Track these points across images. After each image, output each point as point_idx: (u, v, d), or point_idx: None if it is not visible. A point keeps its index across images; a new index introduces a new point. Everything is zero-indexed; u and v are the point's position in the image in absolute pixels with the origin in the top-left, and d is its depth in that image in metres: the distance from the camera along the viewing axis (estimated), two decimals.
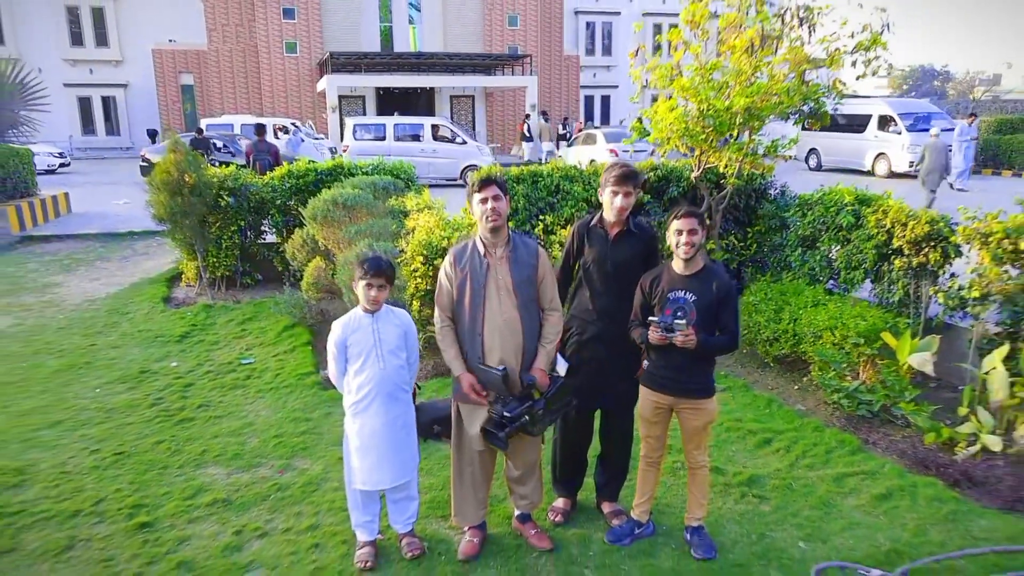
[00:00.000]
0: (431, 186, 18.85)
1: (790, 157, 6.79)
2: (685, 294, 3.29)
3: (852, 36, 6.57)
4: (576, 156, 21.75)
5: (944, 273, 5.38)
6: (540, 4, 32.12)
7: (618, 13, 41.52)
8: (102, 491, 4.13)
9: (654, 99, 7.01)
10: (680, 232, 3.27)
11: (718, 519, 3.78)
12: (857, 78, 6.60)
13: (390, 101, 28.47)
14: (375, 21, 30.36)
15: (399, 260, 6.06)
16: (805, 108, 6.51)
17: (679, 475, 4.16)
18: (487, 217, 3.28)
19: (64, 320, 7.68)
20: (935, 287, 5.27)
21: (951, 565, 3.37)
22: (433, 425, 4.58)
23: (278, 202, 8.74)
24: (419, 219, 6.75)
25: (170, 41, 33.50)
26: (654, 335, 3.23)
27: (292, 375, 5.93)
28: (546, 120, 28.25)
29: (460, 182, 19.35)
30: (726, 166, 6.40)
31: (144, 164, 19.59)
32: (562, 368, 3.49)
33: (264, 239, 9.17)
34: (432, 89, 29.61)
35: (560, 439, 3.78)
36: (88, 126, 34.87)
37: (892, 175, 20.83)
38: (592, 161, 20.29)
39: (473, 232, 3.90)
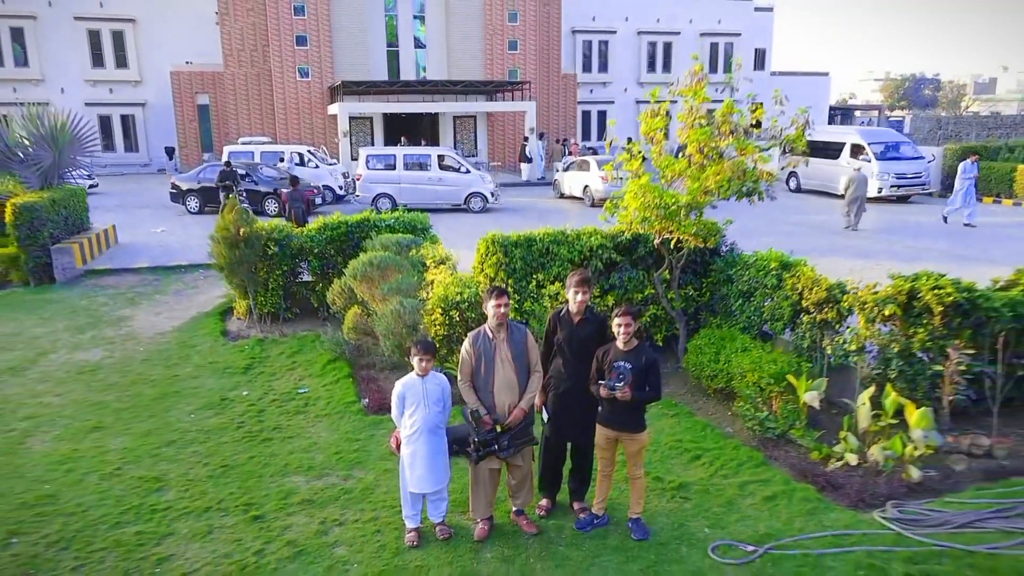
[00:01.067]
0: (437, 211, 20.63)
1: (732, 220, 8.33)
2: (624, 364, 4.98)
3: (781, 132, 8.27)
4: (571, 180, 23.51)
5: (840, 328, 7.08)
6: (539, 28, 33.78)
7: (614, 32, 43.22)
8: (220, 494, 5.84)
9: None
10: (619, 325, 4.97)
11: (653, 513, 5.47)
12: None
13: (396, 124, 30.19)
14: (382, 46, 32.08)
15: (421, 311, 7.77)
16: (744, 189, 8.18)
17: (626, 484, 5.86)
18: (496, 316, 4.97)
19: (144, 352, 9.39)
20: (828, 339, 6.97)
21: (802, 544, 5.08)
22: (452, 444, 6.26)
23: (316, 250, 10.45)
24: (436, 274, 8.48)
25: (187, 63, 35.20)
26: (603, 392, 4.92)
27: (340, 403, 7.64)
28: (541, 139, 29.98)
29: (464, 207, 21.05)
30: (683, 235, 8.08)
31: (174, 191, 21.27)
32: (545, 415, 5.19)
33: (301, 278, 10.88)
34: (436, 113, 31.30)
35: (544, 459, 5.48)
36: (108, 143, 36.46)
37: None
38: (586, 188, 22.07)
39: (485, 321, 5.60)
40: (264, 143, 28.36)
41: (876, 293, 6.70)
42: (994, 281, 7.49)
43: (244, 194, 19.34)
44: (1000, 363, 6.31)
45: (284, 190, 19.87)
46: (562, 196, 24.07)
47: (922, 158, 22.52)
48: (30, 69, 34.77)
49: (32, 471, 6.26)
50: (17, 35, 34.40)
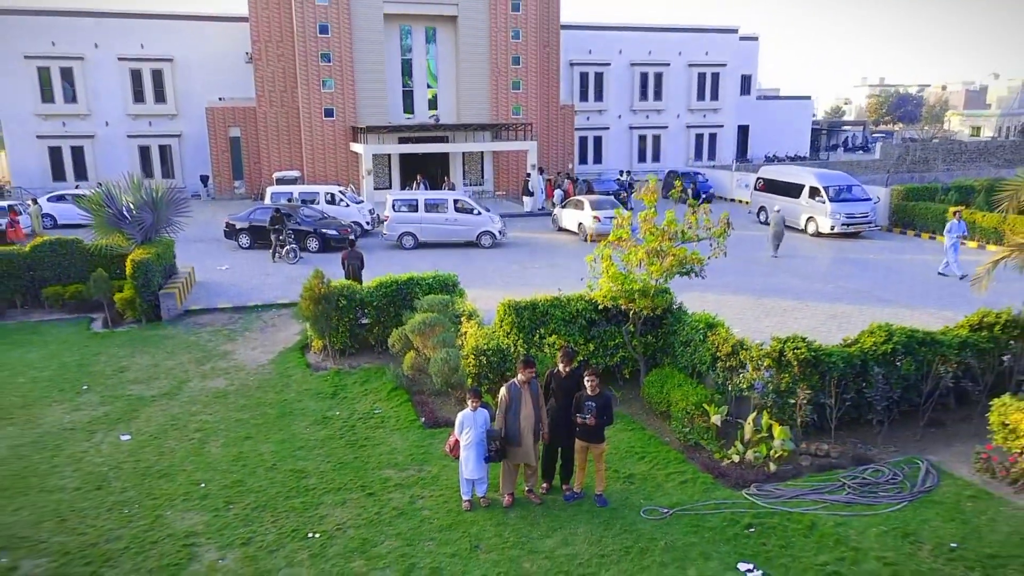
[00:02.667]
0: (453, 246, 24.18)
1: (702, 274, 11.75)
2: (591, 403, 8.53)
3: (708, 230, 11.81)
4: (568, 217, 27.09)
5: (740, 371, 10.62)
6: (539, 67, 37.30)
7: (608, 64, 46.86)
8: (343, 480, 9.40)
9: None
10: (589, 380, 8.52)
11: (610, 491, 9.02)
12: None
13: (412, 160, 33.75)
14: (399, 87, 35.65)
15: (460, 357, 11.33)
16: (684, 270, 11.73)
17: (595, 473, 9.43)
18: (525, 376, 8.50)
19: (255, 381, 12.98)
20: (732, 379, 10.53)
21: (696, 508, 8.64)
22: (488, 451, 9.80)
23: (373, 303, 14.02)
24: (468, 327, 12.04)
25: (220, 99, 38.80)
26: (579, 420, 8.49)
27: (405, 420, 11.21)
28: (541, 173, 33.55)
29: (475, 243, 24.58)
30: (640, 307, 11.60)
31: (227, 229, 24.83)
32: (544, 437, 8.77)
33: (361, 322, 14.42)
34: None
35: (544, 458, 9.03)
36: (147, 170, 40.05)
37: (818, 234, 26.08)
38: (580, 225, 25.60)
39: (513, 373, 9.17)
40: (295, 179, 32.04)
41: (761, 351, 10.25)
42: (844, 340, 11.01)
43: (292, 234, 22.88)
44: (834, 396, 9.88)
45: (327, 231, 23.57)
46: (560, 229, 27.64)
47: (869, 200, 26.07)
48: (78, 105, 38.38)
49: (219, 466, 9.84)
50: (67, 74, 38.02)
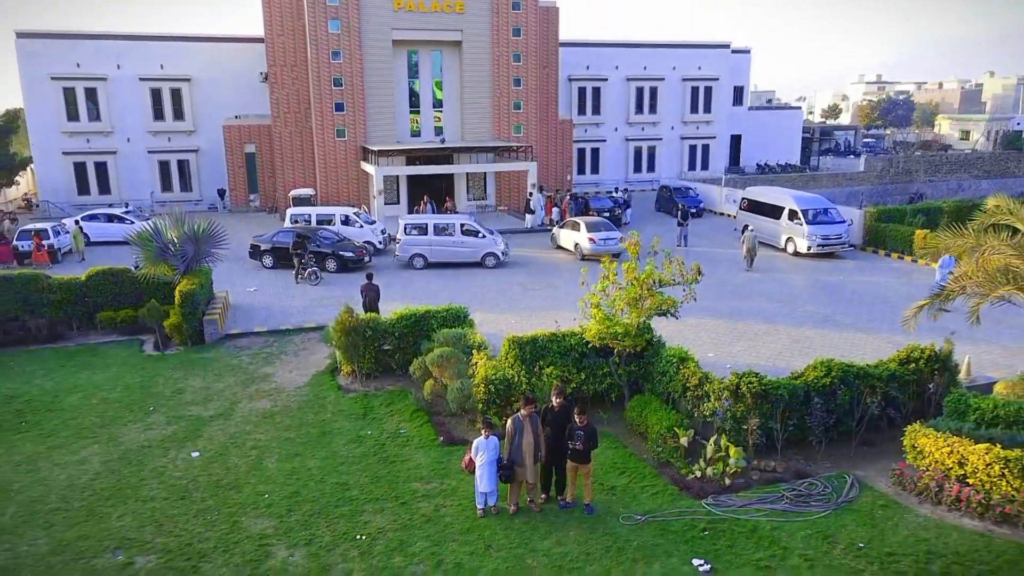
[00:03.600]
0: (459, 265, 26.25)
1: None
2: (580, 431, 10.71)
3: (683, 274, 13.95)
4: (565, 236, 29.23)
5: (705, 400, 12.79)
6: (539, 87, 39.26)
7: (605, 79, 48.95)
8: (379, 492, 11.59)
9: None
10: (577, 416, 10.70)
11: (597, 501, 11.20)
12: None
13: (419, 179, 35.84)
14: (406, 108, 37.72)
15: (472, 386, 13.50)
16: (662, 311, 13.88)
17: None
18: (527, 412, 10.68)
19: (296, 403, 15.16)
20: (698, 407, 12.71)
21: (664, 515, 10.84)
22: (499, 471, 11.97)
23: (395, 332, 16.19)
24: (479, 359, 14.20)
25: (236, 117, 40.89)
26: (570, 446, 10.68)
27: (426, 439, 13.39)
28: (541, 191, 35.65)
29: (480, 263, 26.71)
30: (623, 345, 13.74)
31: (252, 250, 26.97)
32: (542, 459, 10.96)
33: (383, 348, 16.56)
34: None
35: (542, 475, 11.22)
36: (166, 184, 42.22)
37: (797, 254, 28.23)
38: (576, 245, 27.76)
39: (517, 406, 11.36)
40: (310, 196, 34.15)
41: (721, 384, 12.42)
42: (793, 372, 13.18)
43: (313, 257, 25.03)
44: (780, 421, 12.07)
45: (344, 252, 25.72)
46: (558, 247, 29.79)
47: (843, 222, 28.20)
48: (101, 123, 40.48)
49: (276, 479, 12.03)
50: (91, 94, 40.11)
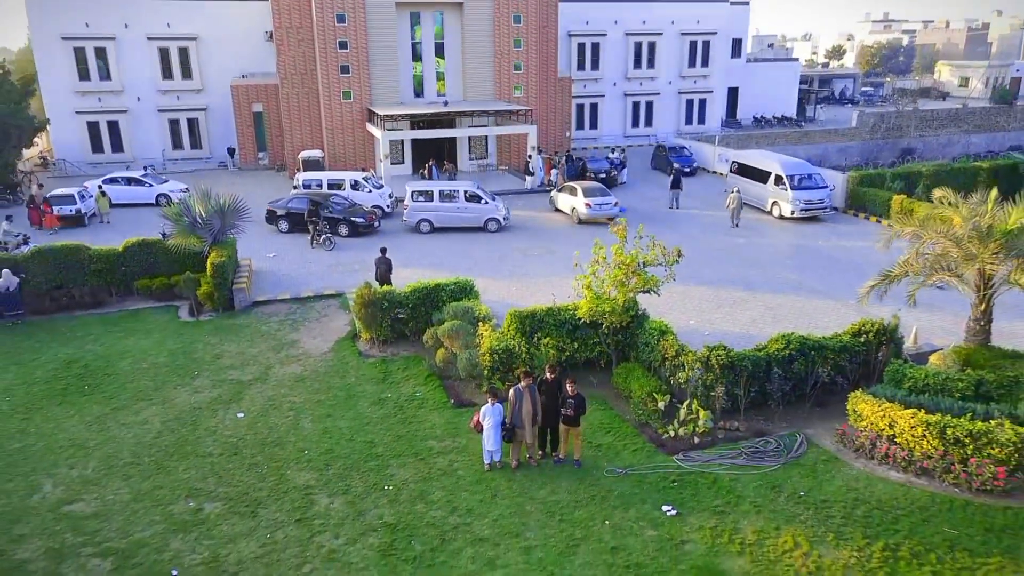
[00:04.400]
0: (463, 230, 27.94)
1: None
2: (571, 399, 12.71)
3: (663, 253, 15.72)
4: (563, 200, 30.86)
5: (680, 368, 14.76)
6: (539, 47, 40.17)
7: (604, 34, 49.64)
8: (401, 449, 13.68)
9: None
10: (568, 385, 12.70)
11: (586, 457, 13.29)
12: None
13: (423, 142, 37.17)
14: (409, 69, 38.76)
15: (479, 355, 15.48)
16: (640, 289, 15.71)
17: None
18: (525, 383, 12.68)
19: (322, 367, 17.17)
20: (674, 374, 14.70)
21: (641, 468, 12.95)
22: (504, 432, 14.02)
23: (408, 303, 18.09)
24: (484, 330, 16.13)
25: (243, 77, 41.93)
26: (563, 411, 12.70)
27: (439, 401, 15.44)
28: (540, 153, 37.02)
29: (483, 228, 28.42)
30: (611, 320, 15.61)
31: (268, 215, 28.63)
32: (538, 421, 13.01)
33: (398, 316, 18.47)
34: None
35: (539, 435, 13.29)
36: (176, 142, 43.52)
37: (782, 217, 29.92)
38: (573, 209, 29.44)
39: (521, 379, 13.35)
40: (319, 159, 35.57)
41: (694, 355, 14.37)
42: (757, 345, 15.11)
43: (327, 224, 26.74)
44: (744, 388, 14.08)
45: (355, 218, 27.41)
46: (556, 210, 31.42)
47: (826, 187, 29.76)
48: (112, 82, 41.53)
49: (312, 438, 14.10)
50: (100, 53, 41.06)
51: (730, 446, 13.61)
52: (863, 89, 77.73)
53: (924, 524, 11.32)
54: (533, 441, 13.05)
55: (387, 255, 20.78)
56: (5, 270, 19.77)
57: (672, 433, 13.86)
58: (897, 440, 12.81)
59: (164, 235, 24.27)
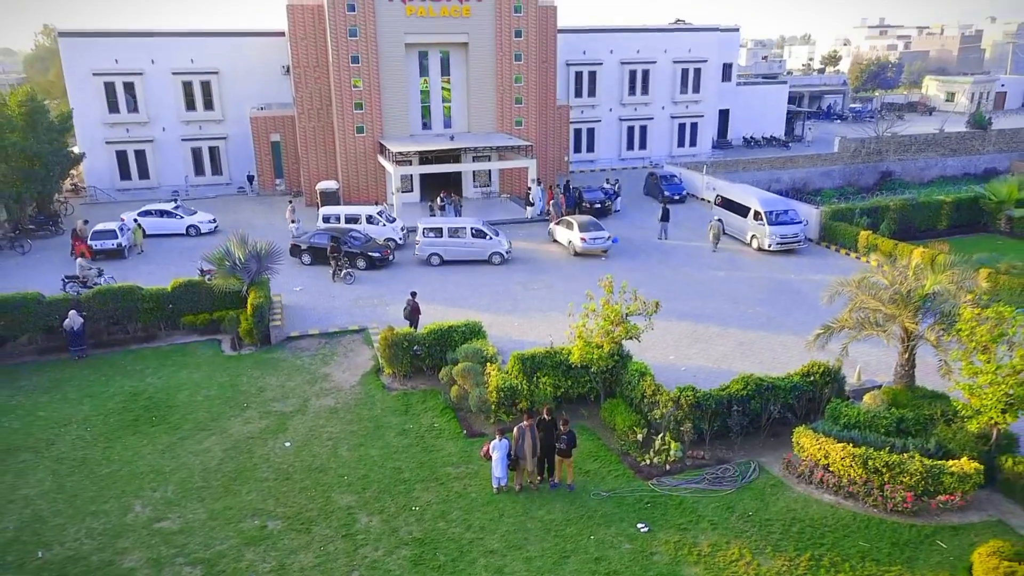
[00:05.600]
0: (469, 263, 30.75)
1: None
2: (564, 436, 15.58)
3: (643, 305, 18.57)
4: (561, 232, 33.71)
5: (656, 405, 17.62)
6: (538, 81, 42.94)
7: (601, 63, 52.46)
8: (423, 474, 16.54)
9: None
10: (563, 424, 15.57)
11: (576, 482, 16.17)
12: None
13: (432, 174, 39.98)
14: (417, 103, 41.61)
15: (487, 393, 18.35)
16: (624, 337, 18.55)
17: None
18: (527, 422, 15.56)
19: (352, 400, 20.04)
20: (652, 411, 17.56)
21: (622, 490, 15.82)
22: (509, 459, 16.89)
23: (426, 343, 20.96)
24: (491, 370, 19.01)
25: (261, 108, 44.79)
26: (558, 447, 15.57)
27: (454, 432, 18.31)
28: (539, 184, 39.85)
29: (487, 261, 31.28)
30: (599, 364, 18.44)
31: (292, 249, 31.47)
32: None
33: (416, 353, 21.32)
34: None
35: (537, 463, 16.16)
36: (199, 169, 46.39)
37: (760, 249, 32.78)
38: (570, 242, 32.25)
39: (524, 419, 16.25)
40: (336, 190, 38.43)
41: (668, 395, 17.21)
42: (721, 386, 17.94)
43: (347, 259, 29.59)
44: (708, 422, 16.94)
45: (372, 253, 30.26)
46: (554, 241, 34.27)
47: (800, 223, 32.59)
48: (139, 114, 44.41)
49: (349, 464, 16.96)
50: (129, 87, 43.93)
51: (696, 472, 16.48)
52: (851, 106, 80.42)
53: (845, 539, 14.20)
54: (533, 469, 15.92)
55: (416, 299, 23.44)
56: (72, 311, 22.61)
57: (648, 461, 16.73)
58: (830, 468, 15.68)
59: (202, 271, 27.23)
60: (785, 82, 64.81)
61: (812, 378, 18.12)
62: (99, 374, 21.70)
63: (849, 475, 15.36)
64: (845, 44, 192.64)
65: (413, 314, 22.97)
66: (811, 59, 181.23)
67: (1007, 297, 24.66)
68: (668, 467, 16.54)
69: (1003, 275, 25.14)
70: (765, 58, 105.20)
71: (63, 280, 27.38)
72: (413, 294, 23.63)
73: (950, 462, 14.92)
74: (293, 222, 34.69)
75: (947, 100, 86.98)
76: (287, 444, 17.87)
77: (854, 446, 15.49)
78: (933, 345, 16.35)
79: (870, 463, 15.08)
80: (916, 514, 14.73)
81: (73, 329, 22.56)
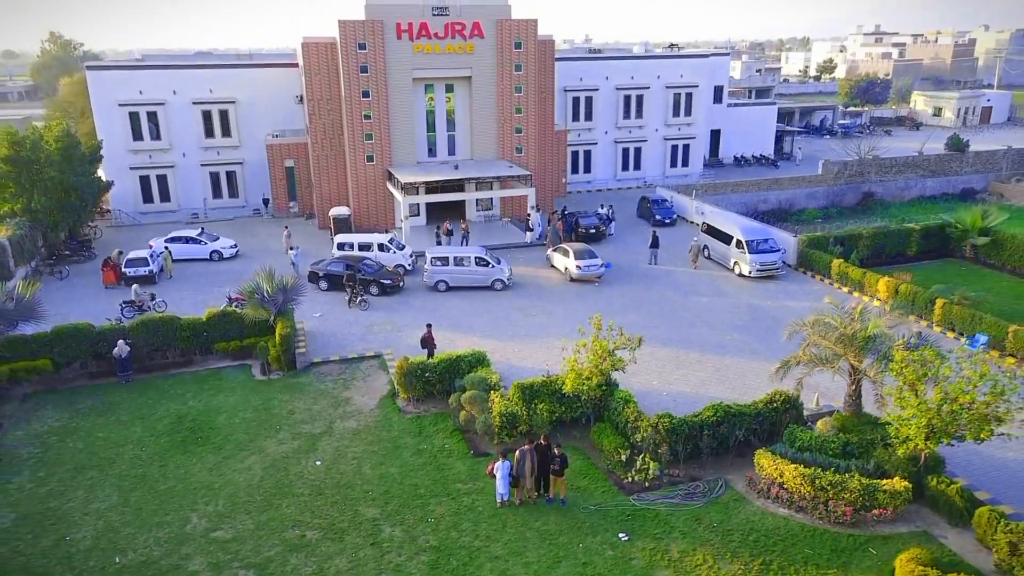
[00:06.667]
0: (473, 288, 33.44)
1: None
2: (557, 459, 18.27)
3: (627, 341, 21.29)
4: (558, 259, 36.43)
5: (637, 429, 20.31)
6: (537, 109, 45.63)
7: (597, 89, 55.26)
8: (437, 490, 19.24)
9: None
10: (556, 448, 18.28)
11: (568, 497, 18.86)
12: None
13: (437, 205, 42.68)
14: (424, 132, 44.35)
15: (491, 418, 21.08)
16: (611, 369, 21.24)
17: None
18: (528, 446, 18.27)
19: (372, 422, 22.76)
20: (634, 434, 20.26)
21: (606, 504, 18.53)
22: (511, 477, 19.58)
23: (437, 371, 23.67)
24: (494, 397, 21.74)
25: (275, 136, 47.54)
26: (553, 467, 18.28)
27: (462, 452, 21.02)
28: (538, 211, 42.56)
29: (489, 287, 33.99)
30: (588, 394, 21.13)
31: (311, 276, 34.19)
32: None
33: (427, 378, 24.00)
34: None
35: (535, 480, 18.86)
36: (217, 192, 49.12)
37: (741, 276, 35.48)
38: (566, 269, 35.00)
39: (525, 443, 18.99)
40: (348, 216, 41.16)
41: (647, 421, 19.92)
42: (694, 412, 20.62)
43: (361, 287, 32.30)
44: (682, 445, 19.64)
45: (384, 280, 32.97)
46: (552, 266, 36.98)
47: (779, 251, 35.29)
48: (161, 141, 47.17)
49: (372, 481, 19.67)
50: (152, 116, 46.67)
51: (671, 489, 19.19)
52: (841, 122, 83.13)
53: (792, 546, 16.92)
54: (531, 486, 18.63)
55: (431, 330, 26.10)
56: (120, 340, 25.33)
57: (630, 478, 19.43)
58: (785, 486, 18.39)
59: (230, 298, 29.99)
60: (774, 103, 67.53)
61: (774, 405, 20.81)
62: (146, 397, 24.41)
63: (800, 491, 18.05)
64: (841, 51, 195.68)
65: (428, 343, 25.65)
66: (807, 65, 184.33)
67: (959, 325, 27.47)
68: (647, 484, 19.24)
69: (956, 305, 27.83)
70: (759, 71, 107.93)
71: (121, 305, 30.42)
72: (429, 326, 26.30)
73: (884, 481, 17.62)
74: (291, 248, 37.45)
75: (934, 115, 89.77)
76: (318, 463, 20.57)
77: (805, 467, 18.19)
78: (872, 380, 19.06)
79: (817, 481, 17.77)
80: (854, 525, 17.43)
81: (121, 356, 25.27)
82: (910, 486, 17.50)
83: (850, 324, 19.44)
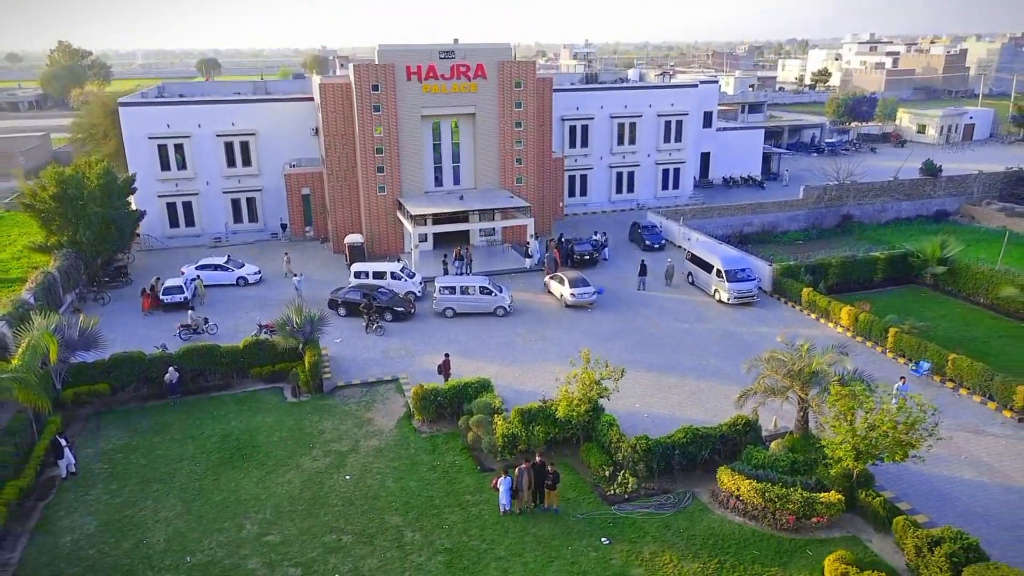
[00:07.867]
0: (477, 315, 37.08)
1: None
2: (551, 475, 21.85)
3: (612, 372, 24.87)
4: (554, 286, 40.06)
5: (619, 450, 23.90)
6: (536, 141, 49.19)
7: (592, 117, 58.84)
8: (450, 501, 22.85)
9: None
10: (550, 467, 21.88)
11: (561, 506, 22.46)
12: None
13: (443, 234, 46.34)
14: (431, 166, 47.98)
15: (496, 440, 24.70)
16: (597, 397, 24.83)
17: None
18: (527, 466, 21.88)
19: (392, 441, 26.37)
20: (617, 454, 23.85)
21: (591, 513, 22.13)
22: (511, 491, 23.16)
23: (448, 396, 27.27)
24: (498, 420, 25.36)
25: (293, 166, 51.19)
26: (547, 483, 21.88)
27: (471, 468, 24.60)
28: (538, 239, 46.18)
29: (492, 313, 37.61)
30: (578, 419, 24.70)
31: (330, 302, 37.81)
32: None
33: (438, 401, 27.58)
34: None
35: (532, 493, 22.45)
36: (237, 217, 52.71)
37: (721, 302, 39.08)
38: (561, 296, 38.65)
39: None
40: (360, 243, 44.79)
41: (627, 442, 23.49)
42: (668, 434, 24.22)
43: (377, 314, 35.89)
44: (656, 462, 23.22)
45: (397, 307, 36.60)
46: (549, 293, 40.58)
47: (755, 280, 38.87)
48: (187, 171, 50.78)
49: (394, 494, 23.26)
50: (178, 148, 50.29)
51: (646, 500, 22.78)
52: (828, 140, 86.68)
53: (743, 549, 20.52)
54: (529, 498, 22.23)
55: (449, 358, 29.71)
56: (170, 367, 28.96)
57: (613, 491, 23.02)
58: (741, 498, 21.98)
59: (260, 325, 33.63)
60: (762, 127, 71.09)
61: (736, 427, 24.41)
62: (193, 418, 28.02)
63: (752, 502, 21.64)
64: (836, 59, 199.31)
65: (445, 370, 29.26)
66: (803, 73, 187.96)
67: (908, 352, 31.06)
68: (627, 496, 22.83)
69: (905, 334, 31.43)
70: (752, 87, 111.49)
71: (179, 329, 34.46)
72: (447, 355, 29.91)
73: (822, 494, 21.22)
74: (295, 275, 41.01)
75: (918, 132, 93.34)
76: (348, 477, 24.16)
77: (757, 482, 21.78)
78: (814, 410, 22.67)
79: (766, 494, 21.37)
80: (796, 531, 21.04)
81: (172, 382, 28.90)
82: (843, 498, 21.10)
83: (798, 361, 23.04)
